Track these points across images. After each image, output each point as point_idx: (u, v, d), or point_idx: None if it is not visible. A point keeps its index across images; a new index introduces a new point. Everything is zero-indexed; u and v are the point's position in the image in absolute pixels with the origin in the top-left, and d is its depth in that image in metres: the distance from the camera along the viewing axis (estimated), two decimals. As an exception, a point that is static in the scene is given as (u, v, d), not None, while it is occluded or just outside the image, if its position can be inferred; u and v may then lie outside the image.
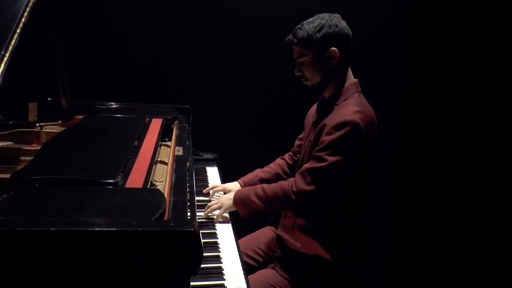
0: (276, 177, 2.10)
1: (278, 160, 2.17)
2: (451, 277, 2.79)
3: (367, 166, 1.79)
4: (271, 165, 2.16)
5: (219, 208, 1.88)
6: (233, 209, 1.88)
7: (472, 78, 2.60)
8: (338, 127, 1.68)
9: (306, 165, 1.74)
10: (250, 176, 2.12)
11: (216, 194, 2.06)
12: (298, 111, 2.18)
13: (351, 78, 1.84)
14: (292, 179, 1.79)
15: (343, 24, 1.79)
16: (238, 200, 1.86)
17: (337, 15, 1.81)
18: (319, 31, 1.75)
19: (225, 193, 2.04)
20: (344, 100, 1.78)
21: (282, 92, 2.89)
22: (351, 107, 1.73)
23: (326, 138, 1.71)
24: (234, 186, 2.07)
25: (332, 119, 1.73)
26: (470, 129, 2.65)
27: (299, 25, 1.80)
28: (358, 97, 1.80)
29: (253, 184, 2.07)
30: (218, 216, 1.87)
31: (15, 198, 1.19)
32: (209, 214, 1.89)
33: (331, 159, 1.68)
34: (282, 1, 2.81)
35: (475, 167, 2.67)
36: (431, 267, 2.81)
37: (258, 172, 2.13)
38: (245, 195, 1.85)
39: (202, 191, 2.09)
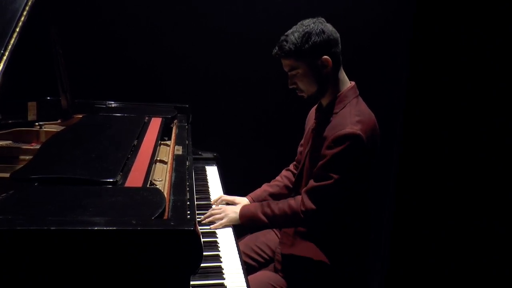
0: (286, 189, 2.06)
1: (284, 172, 2.13)
2: (451, 277, 2.78)
3: (368, 174, 1.77)
4: (278, 178, 2.11)
5: (222, 218, 1.82)
6: (237, 223, 1.83)
7: (472, 78, 2.60)
8: (339, 140, 1.65)
9: (312, 183, 1.71)
10: (258, 192, 2.07)
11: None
12: (298, 111, 2.17)
13: (346, 82, 1.79)
14: (299, 198, 1.75)
15: (329, 28, 1.72)
16: (244, 216, 1.82)
17: (321, 19, 1.74)
18: (306, 41, 1.69)
19: (228, 204, 1.99)
20: (343, 108, 1.74)
21: (282, 92, 2.87)
22: (351, 117, 1.68)
23: (328, 152, 1.67)
24: (243, 201, 2.00)
25: (332, 131, 1.69)
26: (470, 129, 2.64)
27: (284, 37, 1.73)
28: (357, 103, 1.75)
29: (262, 200, 2.01)
30: (218, 226, 1.81)
31: (14, 197, 1.19)
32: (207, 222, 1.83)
33: (336, 176, 1.65)
34: (282, 1, 2.81)
35: (475, 167, 2.66)
36: (431, 267, 2.80)
37: (266, 187, 2.08)
38: (251, 212, 1.81)
39: (211, 200, 2.05)
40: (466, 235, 2.72)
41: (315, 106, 1.95)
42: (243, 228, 1.88)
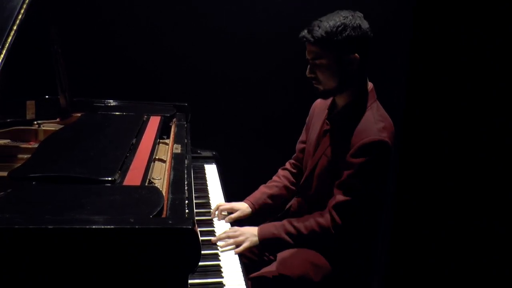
0: (286, 190, 1.98)
1: (281, 172, 2.04)
2: (451, 277, 2.78)
3: (386, 179, 1.71)
4: (275, 178, 2.02)
5: (243, 242, 1.67)
6: (256, 244, 1.70)
7: (472, 78, 2.60)
8: (366, 148, 1.58)
9: (341, 197, 1.63)
10: (257, 194, 1.96)
11: (223, 212, 1.90)
12: (297, 110, 2.17)
13: (366, 84, 1.73)
14: (326, 213, 1.67)
15: (366, 25, 1.64)
16: (265, 237, 1.69)
17: (359, 14, 1.65)
18: (341, 32, 1.58)
19: (230, 212, 1.88)
20: (365, 112, 1.67)
21: (281, 90, 2.89)
22: (376, 123, 1.62)
23: (354, 161, 1.60)
24: (242, 206, 1.91)
25: (357, 137, 1.62)
26: (470, 129, 2.64)
27: (317, 22, 1.62)
28: (378, 107, 1.70)
29: (262, 203, 1.94)
30: (241, 250, 1.65)
31: (12, 196, 1.18)
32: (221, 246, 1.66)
33: (365, 187, 1.59)
34: (281, 1, 2.80)
35: (475, 167, 2.66)
36: (431, 267, 2.80)
37: (264, 189, 1.98)
38: (273, 233, 1.69)
39: (210, 199, 2.00)
40: (466, 235, 2.71)
41: (319, 100, 1.89)
42: (241, 225, 1.81)
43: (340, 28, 1.59)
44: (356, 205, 1.62)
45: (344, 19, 1.60)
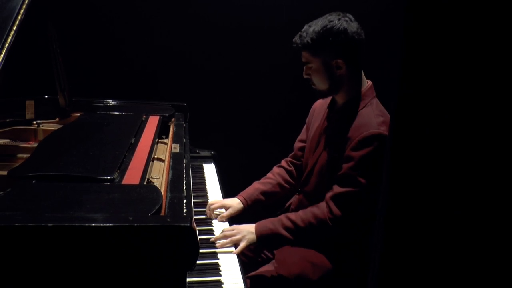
0: (279, 187, 1.98)
1: (276, 169, 2.05)
2: (451, 277, 2.79)
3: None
4: (269, 175, 2.03)
5: (240, 240, 1.67)
6: (253, 242, 1.70)
7: (471, 78, 2.60)
8: (366, 141, 1.61)
9: (339, 189, 1.65)
10: (250, 190, 1.96)
11: (217, 210, 1.90)
12: (296, 108, 2.17)
13: (364, 82, 1.76)
14: (323, 206, 1.69)
15: (353, 28, 1.65)
16: (262, 234, 1.70)
17: (348, 17, 1.67)
18: (324, 38, 1.63)
19: (226, 209, 1.88)
20: (364, 107, 1.70)
21: (280, 89, 2.90)
22: (375, 118, 1.66)
23: (354, 154, 1.63)
24: (234, 202, 1.90)
25: (356, 131, 1.65)
26: (469, 129, 2.65)
27: (306, 27, 1.68)
28: (377, 103, 1.73)
29: (255, 199, 1.93)
30: (239, 250, 1.65)
31: (12, 194, 1.19)
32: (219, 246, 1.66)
33: (364, 180, 1.62)
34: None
35: (475, 167, 2.66)
36: (430, 267, 2.81)
37: (257, 185, 1.98)
38: (270, 229, 1.70)
39: (208, 198, 2.00)
40: (465, 235, 2.72)
41: (319, 101, 1.92)
42: (240, 221, 1.81)
43: (324, 35, 1.64)
44: (353, 197, 1.64)
45: (330, 23, 1.64)
